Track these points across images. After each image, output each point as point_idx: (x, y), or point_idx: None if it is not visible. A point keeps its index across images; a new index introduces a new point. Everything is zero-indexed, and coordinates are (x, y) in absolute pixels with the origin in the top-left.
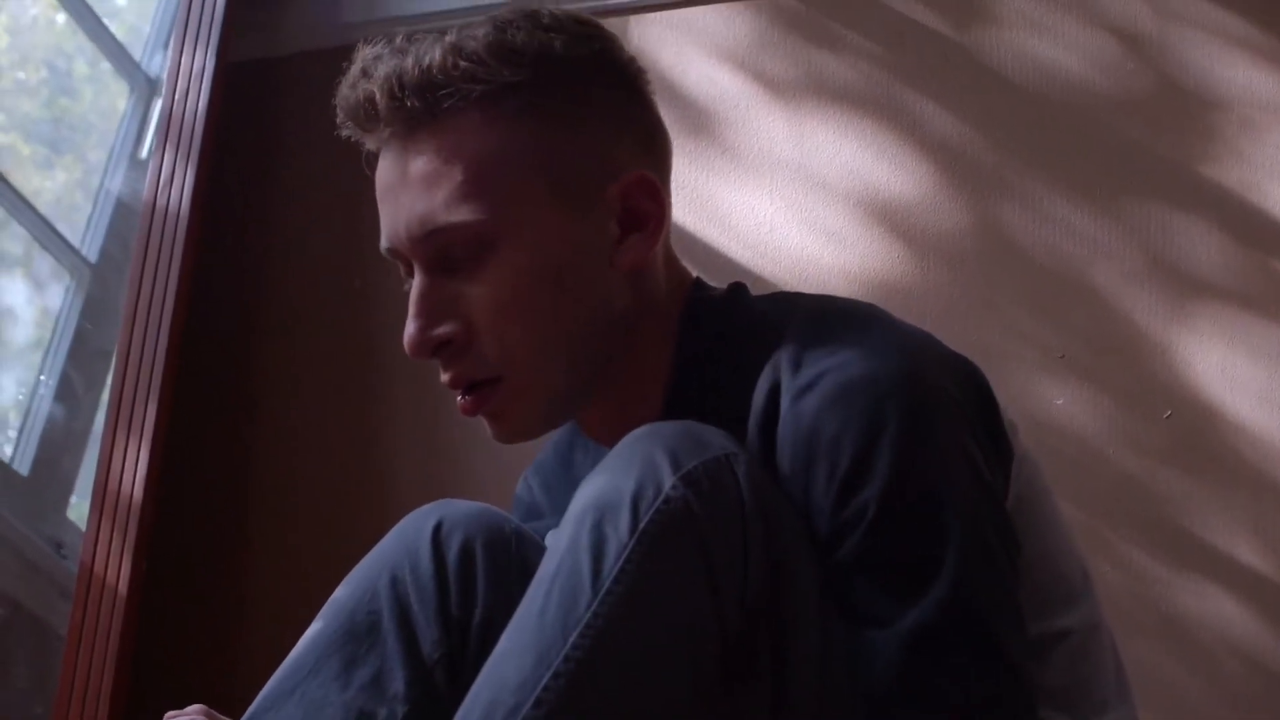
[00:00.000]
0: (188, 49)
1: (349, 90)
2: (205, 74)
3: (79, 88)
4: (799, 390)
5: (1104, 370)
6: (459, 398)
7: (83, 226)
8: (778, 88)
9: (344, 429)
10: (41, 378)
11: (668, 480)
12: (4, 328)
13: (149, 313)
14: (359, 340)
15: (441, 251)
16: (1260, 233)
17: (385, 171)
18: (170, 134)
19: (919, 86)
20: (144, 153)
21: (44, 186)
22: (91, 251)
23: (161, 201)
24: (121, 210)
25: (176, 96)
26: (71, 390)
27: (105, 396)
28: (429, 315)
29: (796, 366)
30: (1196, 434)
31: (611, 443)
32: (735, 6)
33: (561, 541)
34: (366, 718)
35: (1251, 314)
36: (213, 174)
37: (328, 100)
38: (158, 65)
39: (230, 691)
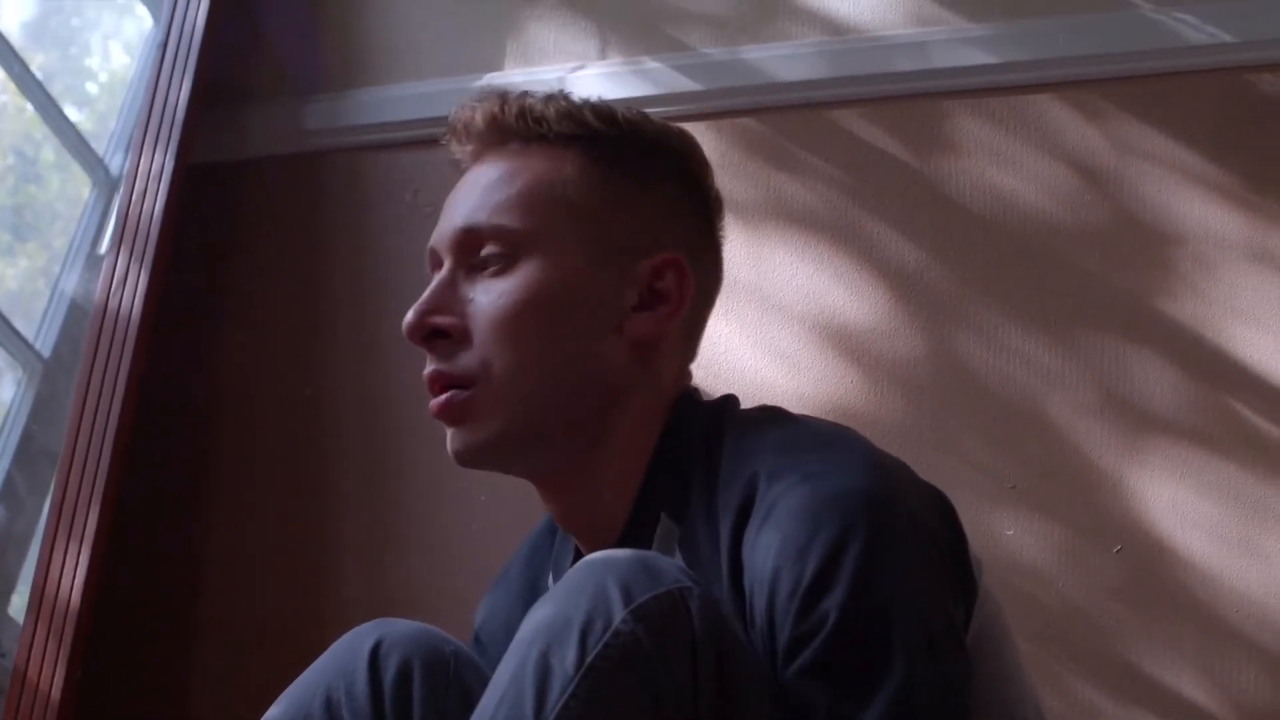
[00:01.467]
0: (148, 149)
1: (462, 108)
2: (164, 175)
3: (46, 175)
4: (772, 502)
5: (1055, 502)
6: (432, 399)
7: (38, 320)
8: (736, 208)
9: (293, 538)
10: None
11: (618, 613)
12: None
13: (95, 417)
14: (309, 449)
15: (470, 250)
16: (1214, 369)
17: (462, 181)
18: (126, 234)
19: (877, 212)
20: (103, 249)
21: (5, 274)
22: (45, 347)
23: (114, 303)
24: (75, 309)
25: (134, 196)
26: (14, 490)
27: (49, 500)
28: (435, 303)
29: (770, 480)
30: (1146, 568)
31: (577, 530)
32: (697, 125)
33: (506, 670)
34: None
35: (1203, 450)
36: (168, 277)
37: (286, 205)
38: (120, 162)
39: None
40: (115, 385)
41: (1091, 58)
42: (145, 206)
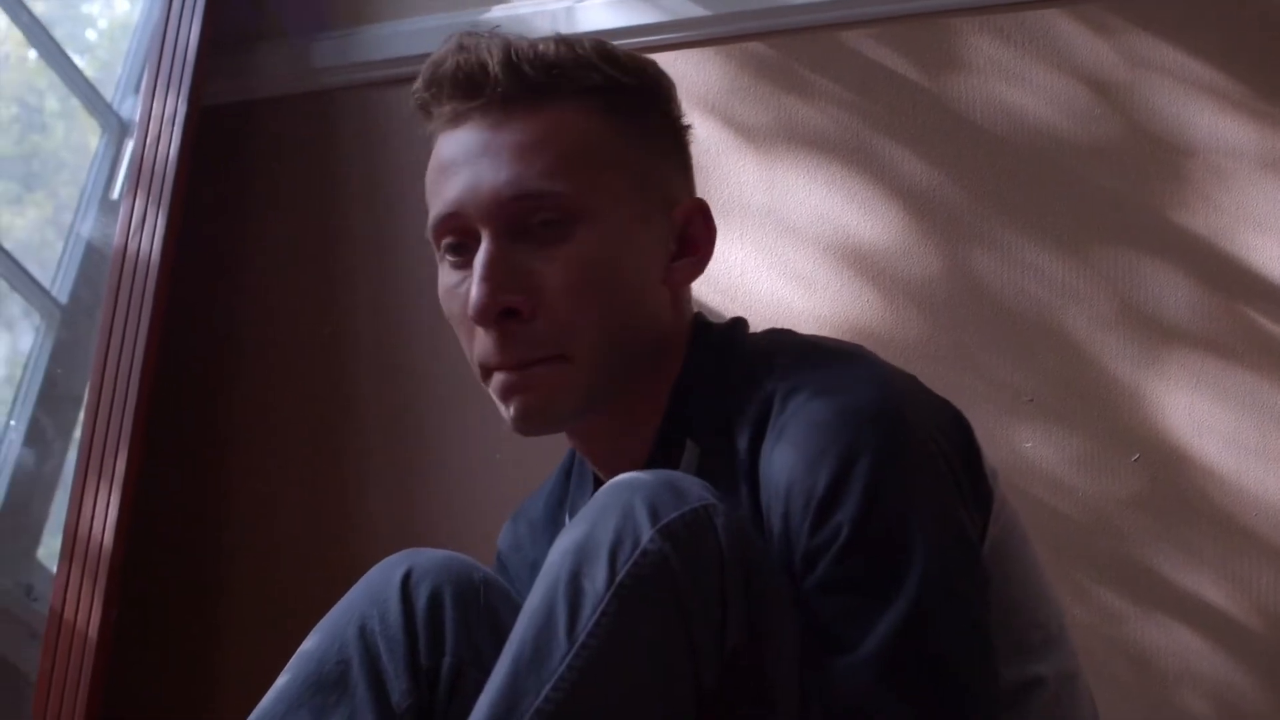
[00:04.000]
0: (159, 93)
1: (452, 56)
2: (177, 119)
3: (51, 124)
4: (786, 419)
5: (1072, 414)
6: (500, 375)
7: (53, 267)
8: (748, 133)
9: (318, 475)
10: (11, 422)
11: (645, 533)
12: None
13: (120, 359)
14: (330, 386)
15: (522, 218)
16: (1228, 279)
17: (472, 138)
18: (141, 178)
19: (889, 132)
20: (115, 194)
21: (14, 224)
22: (62, 293)
23: (133, 246)
24: (92, 253)
25: (148, 141)
26: (41, 434)
27: (76, 440)
28: (499, 281)
29: (785, 399)
30: (1164, 476)
31: (603, 463)
32: (706, 51)
33: (538, 593)
34: None
35: (1218, 359)
36: (184, 219)
37: (299, 144)
38: (130, 107)
39: None
40: (138, 327)
41: None
42: (160, 150)
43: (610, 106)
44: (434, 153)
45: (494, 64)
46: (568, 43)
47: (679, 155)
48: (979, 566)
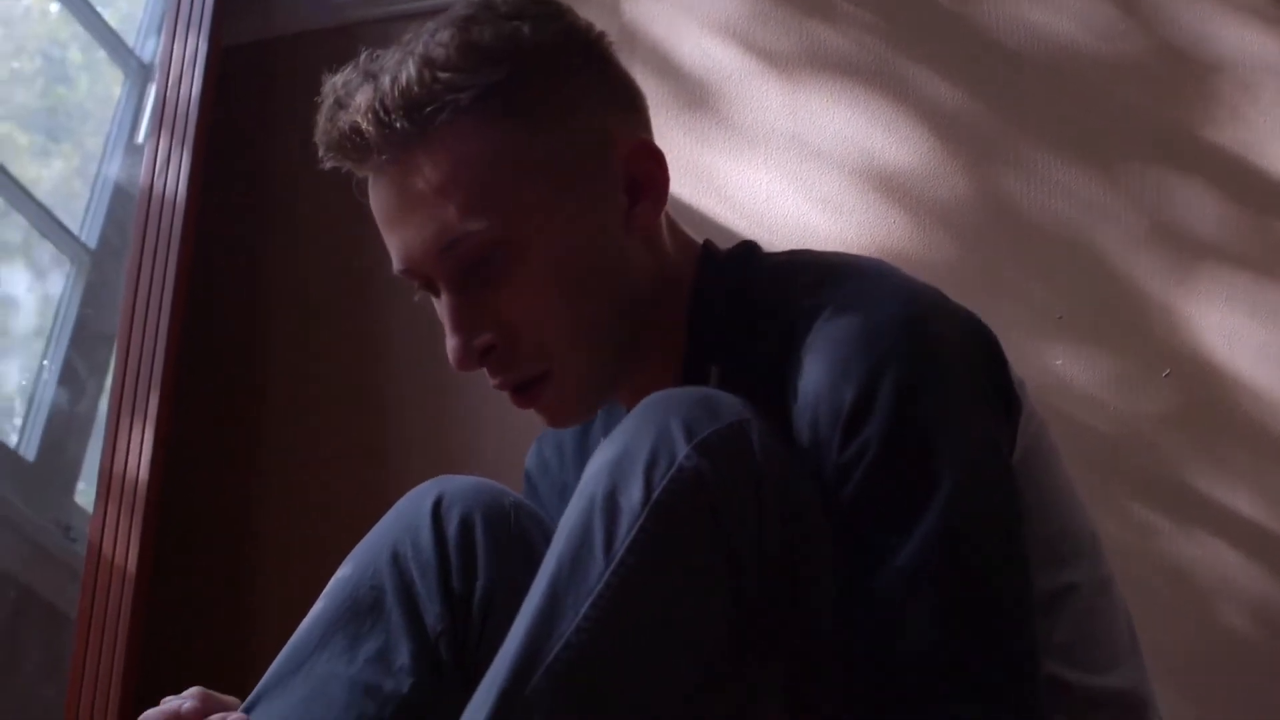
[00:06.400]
0: (180, 34)
1: (329, 124)
2: (198, 59)
3: (74, 76)
4: (811, 338)
5: (1103, 330)
6: (507, 394)
7: (81, 213)
8: (771, 58)
9: (351, 407)
10: (45, 363)
11: (681, 449)
12: (6, 316)
13: (149, 298)
14: (362, 319)
15: (463, 263)
16: (1258, 193)
17: (385, 197)
18: (165, 120)
19: (913, 54)
20: (140, 138)
21: (42, 175)
22: (91, 238)
23: (158, 187)
24: (119, 196)
25: (170, 82)
26: (75, 375)
27: (109, 380)
28: (468, 327)
29: (809, 316)
30: (1195, 391)
31: (632, 403)
32: None
33: (573, 512)
34: (373, 691)
35: (1250, 273)
36: (209, 158)
37: (321, 80)
38: (151, 50)
39: (239, 669)
40: (166, 266)
41: None
42: (182, 91)
43: (499, 107)
44: None
45: (366, 127)
46: (429, 63)
47: (600, 98)
48: (1010, 475)
